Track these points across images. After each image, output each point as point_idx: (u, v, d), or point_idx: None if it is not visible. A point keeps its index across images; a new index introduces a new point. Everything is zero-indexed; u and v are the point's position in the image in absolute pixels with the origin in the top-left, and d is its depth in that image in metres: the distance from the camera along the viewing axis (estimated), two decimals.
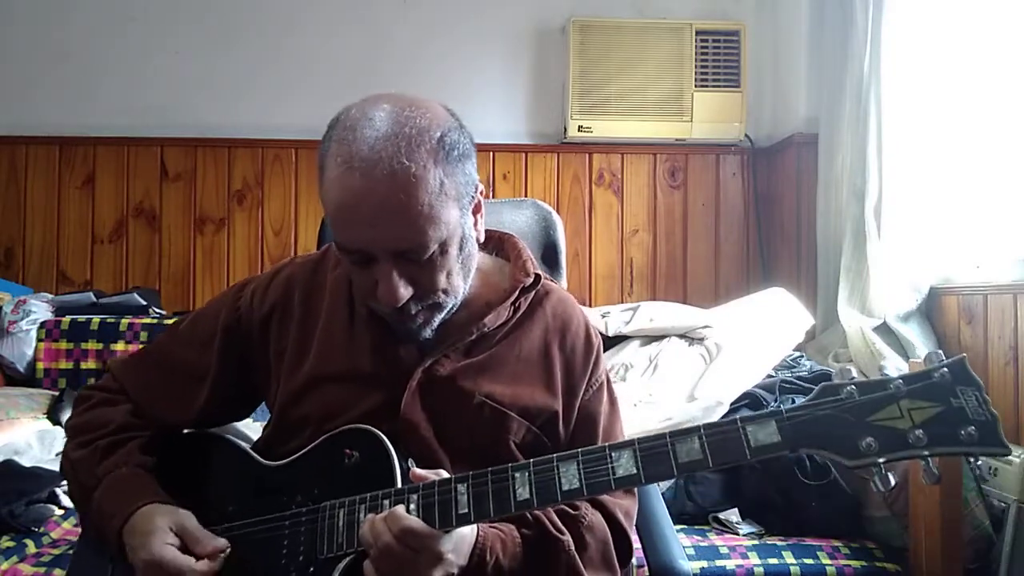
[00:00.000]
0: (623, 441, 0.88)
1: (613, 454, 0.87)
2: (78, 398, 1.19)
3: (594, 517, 1.05)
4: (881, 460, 0.79)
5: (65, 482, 1.84)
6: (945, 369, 0.79)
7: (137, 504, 1.02)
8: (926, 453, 0.78)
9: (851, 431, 0.80)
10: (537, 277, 1.10)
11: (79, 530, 1.17)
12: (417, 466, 0.97)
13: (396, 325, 1.02)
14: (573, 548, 1.00)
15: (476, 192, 1.01)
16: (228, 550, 0.99)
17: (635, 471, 0.85)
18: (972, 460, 0.79)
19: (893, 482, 0.80)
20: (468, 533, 0.93)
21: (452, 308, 1.03)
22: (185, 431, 1.16)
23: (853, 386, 0.81)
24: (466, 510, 0.88)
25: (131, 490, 1.04)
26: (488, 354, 1.07)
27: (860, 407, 0.80)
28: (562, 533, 1.01)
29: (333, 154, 0.93)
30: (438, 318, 1.02)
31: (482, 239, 1.07)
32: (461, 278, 1.02)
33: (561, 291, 1.17)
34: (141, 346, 2.40)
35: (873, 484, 0.80)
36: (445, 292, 1.00)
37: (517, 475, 0.88)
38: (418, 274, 0.96)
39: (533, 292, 1.11)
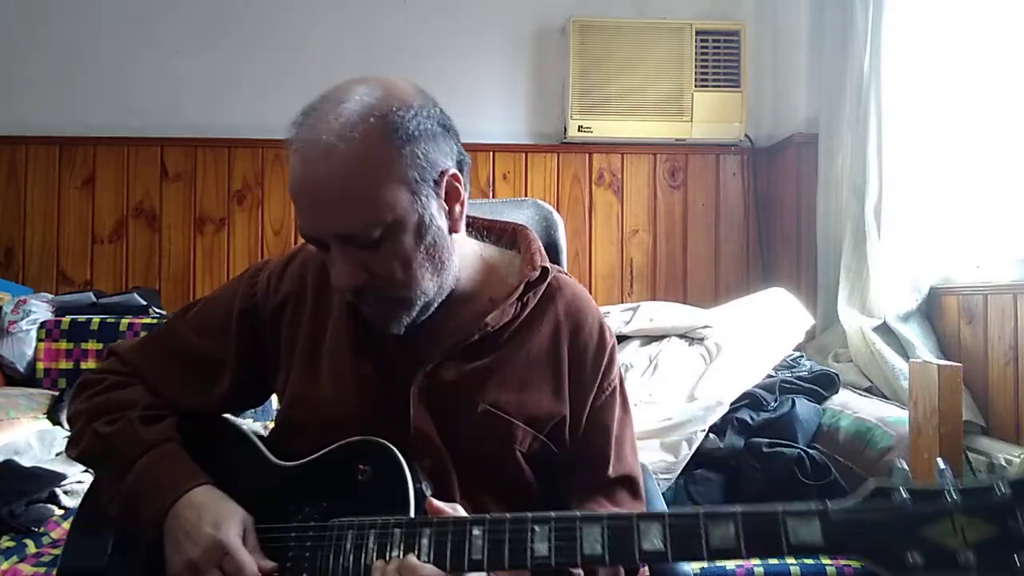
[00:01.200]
0: (653, 512, 0.84)
1: (641, 524, 0.82)
2: (84, 382, 1.13)
3: None
4: None
5: (64, 480, 1.88)
6: (1008, 487, 0.74)
7: (200, 480, 1.00)
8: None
9: (898, 542, 0.75)
10: (544, 271, 1.04)
11: None
12: (425, 473, 0.96)
13: (368, 318, 1.00)
14: None
15: (442, 176, 0.95)
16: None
17: (662, 548, 0.81)
18: None
19: None
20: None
21: (428, 304, 0.99)
22: (199, 416, 1.13)
23: (906, 493, 0.76)
24: (480, 556, 0.85)
25: (188, 466, 1.02)
26: (494, 357, 1.02)
27: (911, 517, 0.75)
28: (575, 566, 0.97)
29: (290, 137, 0.94)
30: (405, 313, 0.97)
31: (459, 230, 1.00)
32: (428, 271, 0.96)
33: (575, 286, 1.11)
34: None
35: None
36: (405, 285, 0.95)
37: (537, 528, 0.84)
38: (368, 260, 0.93)
39: (543, 287, 1.05)
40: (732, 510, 0.80)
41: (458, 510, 0.91)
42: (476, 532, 0.86)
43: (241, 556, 0.93)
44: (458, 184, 0.97)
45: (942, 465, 0.79)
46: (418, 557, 0.86)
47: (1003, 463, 0.79)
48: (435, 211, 0.95)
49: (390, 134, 0.90)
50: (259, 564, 0.94)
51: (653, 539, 0.81)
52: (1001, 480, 0.75)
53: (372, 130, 0.89)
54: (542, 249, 1.09)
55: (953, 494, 0.75)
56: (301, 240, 1.00)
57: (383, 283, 0.95)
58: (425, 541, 0.87)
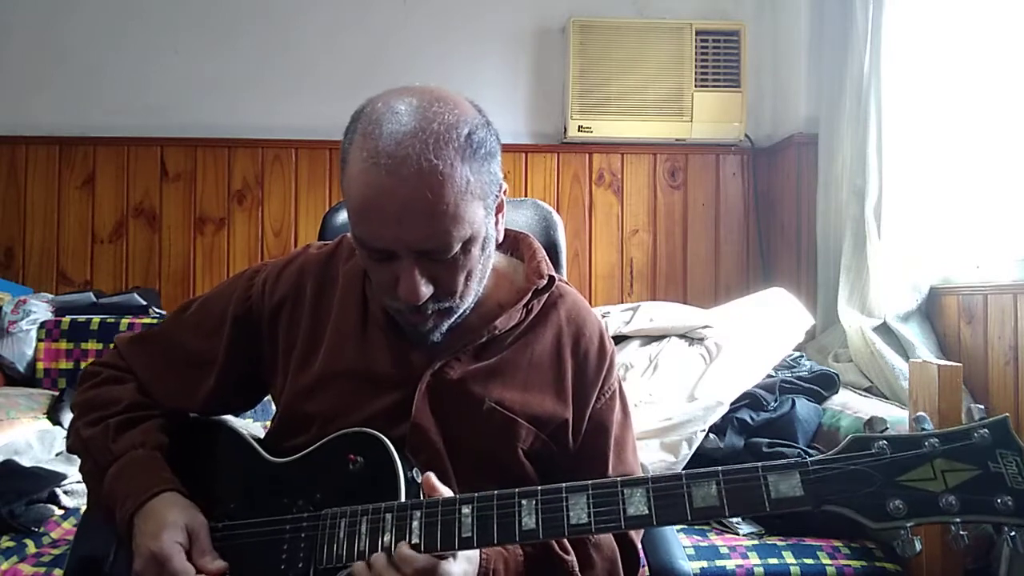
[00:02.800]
0: (637, 477, 0.85)
1: (625, 491, 0.83)
2: (84, 374, 1.16)
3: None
4: (909, 524, 0.74)
5: (64, 480, 1.88)
6: (985, 430, 0.74)
7: (156, 489, 1.01)
8: (957, 520, 0.73)
9: (879, 490, 0.74)
10: (551, 279, 1.08)
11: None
12: (419, 466, 0.96)
13: (407, 326, 1.01)
14: (577, 568, 0.99)
15: (500, 192, 0.98)
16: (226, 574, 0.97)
17: (647, 512, 0.81)
18: (1006, 531, 0.72)
19: (919, 548, 0.74)
20: (473, 552, 0.91)
21: (463, 313, 1.01)
22: (192, 416, 1.15)
23: (885, 441, 0.76)
24: (469, 534, 0.86)
25: (150, 473, 1.03)
26: (499, 358, 1.05)
27: (891, 465, 0.75)
28: (567, 553, 0.99)
29: (358, 147, 0.90)
30: (447, 323, 1.00)
31: (501, 239, 1.04)
32: (477, 281, 0.99)
33: (576, 295, 1.14)
34: None
35: (896, 547, 0.74)
36: (461, 296, 0.97)
37: (524, 502, 0.85)
38: (439, 272, 0.94)
39: (547, 295, 1.08)
40: (714, 470, 0.81)
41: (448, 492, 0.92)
42: (465, 511, 0.87)
43: (175, 564, 0.94)
44: (504, 197, 1.01)
45: (922, 415, 0.79)
46: (409, 539, 0.88)
47: (978, 406, 0.78)
48: (493, 224, 0.99)
49: (475, 152, 0.91)
50: (207, 566, 0.95)
51: (638, 504, 0.82)
52: (978, 424, 0.75)
53: (461, 148, 0.90)
54: (547, 258, 1.12)
55: (932, 440, 0.75)
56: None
57: (445, 294, 0.96)
58: (416, 524, 0.88)
